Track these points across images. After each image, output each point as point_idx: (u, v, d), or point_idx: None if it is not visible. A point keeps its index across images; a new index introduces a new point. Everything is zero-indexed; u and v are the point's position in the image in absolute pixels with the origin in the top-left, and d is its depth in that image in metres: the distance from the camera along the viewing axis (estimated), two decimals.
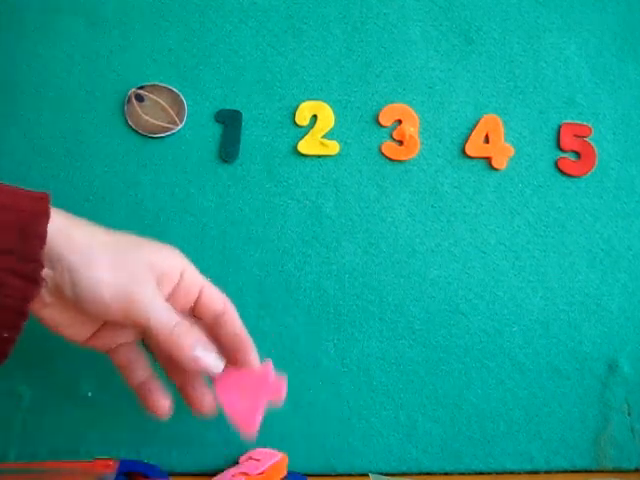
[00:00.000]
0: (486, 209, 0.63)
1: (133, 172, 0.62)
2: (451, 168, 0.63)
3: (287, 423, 0.60)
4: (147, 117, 0.61)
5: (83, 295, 0.41)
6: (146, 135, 0.61)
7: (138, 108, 0.61)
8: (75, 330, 0.45)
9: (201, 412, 0.49)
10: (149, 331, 0.43)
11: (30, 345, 0.60)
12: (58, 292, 0.42)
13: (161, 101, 0.61)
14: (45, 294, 0.42)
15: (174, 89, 0.62)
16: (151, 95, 0.61)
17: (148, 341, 0.49)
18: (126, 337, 0.48)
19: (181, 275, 0.46)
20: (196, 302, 0.47)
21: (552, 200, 0.63)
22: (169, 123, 0.61)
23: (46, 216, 0.40)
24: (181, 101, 0.61)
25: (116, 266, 0.42)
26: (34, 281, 0.40)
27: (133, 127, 0.61)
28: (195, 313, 0.48)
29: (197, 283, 0.47)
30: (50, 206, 0.41)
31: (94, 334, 0.47)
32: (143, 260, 0.43)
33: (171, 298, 0.46)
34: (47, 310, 0.43)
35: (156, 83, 0.62)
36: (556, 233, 0.63)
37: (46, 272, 0.40)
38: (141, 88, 0.61)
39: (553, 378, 0.62)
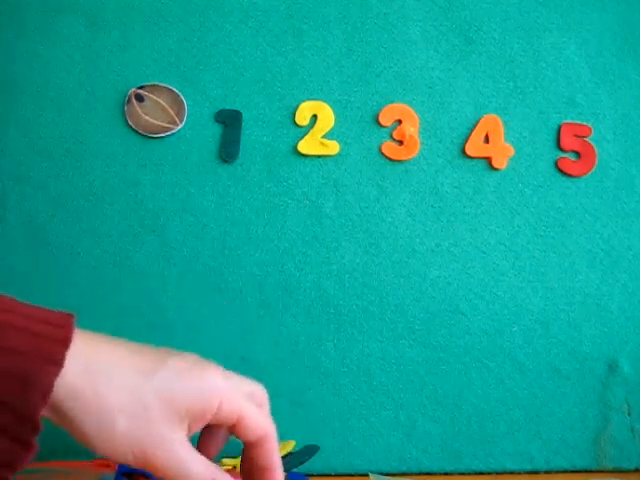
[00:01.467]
0: (486, 209, 0.63)
1: (133, 172, 0.62)
2: (451, 168, 0.63)
3: (287, 423, 0.60)
4: (147, 117, 0.61)
5: (96, 449, 0.35)
6: (146, 135, 0.61)
7: (138, 108, 0.61)
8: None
9: None
10: None
11: None
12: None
13: (161, 101, 0.61)
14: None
15: (174, 89, 0.62)
16: (151, 95, 0.61)
17: None
18: None
19: (218, 408, 0.38)
20: (232, 427, 0.40)
21: (552, 200, 0.63)
22: (169, 123, 0.61)
23: (56, 364, 0.33)
24: (181, 101, 0.61)
25: (134, 418, 0.35)
26: (26, 445, 0.33)
27: (133, 127, 0.61)
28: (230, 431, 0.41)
29: (235, 412, 0.39)
30: (66, 350, 0.33)
31: None
32: (172, 405, 0.36)
33: (205, 426, 0.39)
34: None
35: (156, 83, 0.62)
36: (556, 233, 0.63)
37: (50, 417, 0.34)
38: (141, 88, 0.61)
39: (553, 378, 0.62)
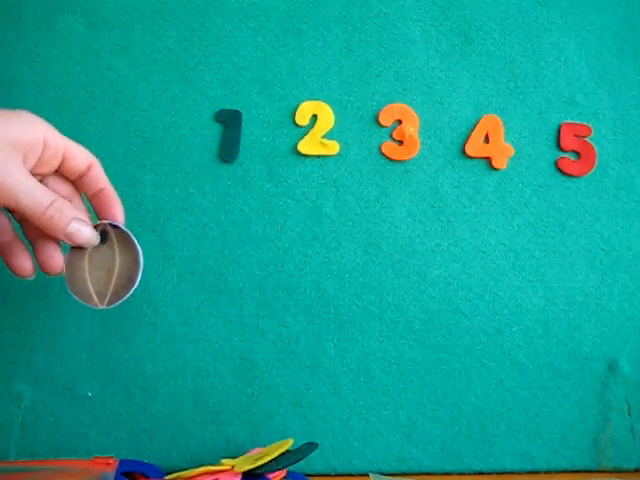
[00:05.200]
0: (486, 209, 0.63)
1: (133, 172, 0.62)
2: (451, 168, 0.63)
3: (287, 423, 0.60)
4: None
5: None
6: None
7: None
8: None
9: (47, 270, 0.49)
10: (21, 213, 0.45)
11: (30, 345, 0.60)
12: None
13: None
14: None
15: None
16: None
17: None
18: None
19: (44, 143, 0.46)
20: (61, 164, 0.48)
21: (552, 200, 0.63)
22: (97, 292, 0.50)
23: None
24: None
25: None
26: None
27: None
28: (60, 172, 0.49)
29: (60, 146, 0.47)
30: None
31: None
32: (4, 138, 0.43)
33: (36, 167, 0.46)
34: None
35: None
36: (556, 233, 0.63)
37: None
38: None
39: (553, 378, 0.62)
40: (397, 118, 0.63)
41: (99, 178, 0.50)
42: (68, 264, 0.49)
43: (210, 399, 0.60)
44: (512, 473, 0.61)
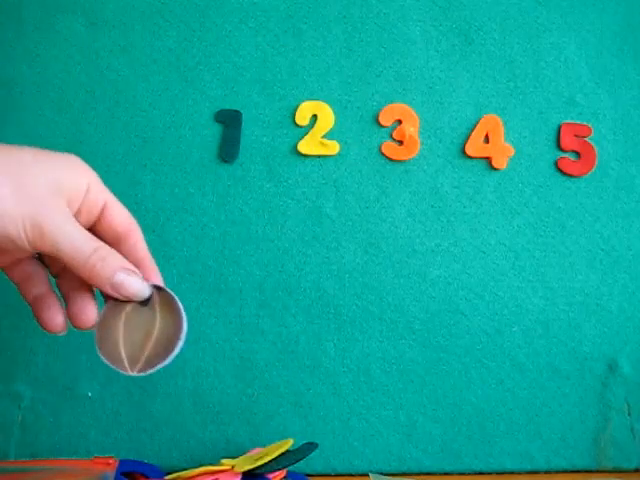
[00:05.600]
0: (486, 209, 0.63)
1: (133, 172, 0.62)
2: (451, 168, 0.63)
3: (287, 423, 0.61)
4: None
5: None
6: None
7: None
8: None
9: (78, 324, 0.44)
10: (62, 260, 0.41)
11: (30, 345, 0.60)
12: None
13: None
14: None
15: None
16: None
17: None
18: (25, 253, 0.44)
19: (87, 189, 0.43)
20: (98, 219, 0.44)
21: (552, 200, 0.63)
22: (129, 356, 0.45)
23: None
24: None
25: (19, 194, 0.38)
26: None
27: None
28: (96, 230, 0.45)
29: (101, 198, 0.44)
30: None
31: None
32: (49, 180, 0.40)
33: (76, 215, 0.43)
34: None
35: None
36: (556, 233, 0.63)
37: None
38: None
39: (553, 378, 0.62)
40: (397, 118, 0.63)
41: (138, 246, 0.45)
42: (102, 321, 0.45)
43: (210, 399, 0.60)
44: (512, 473, 0.61)
